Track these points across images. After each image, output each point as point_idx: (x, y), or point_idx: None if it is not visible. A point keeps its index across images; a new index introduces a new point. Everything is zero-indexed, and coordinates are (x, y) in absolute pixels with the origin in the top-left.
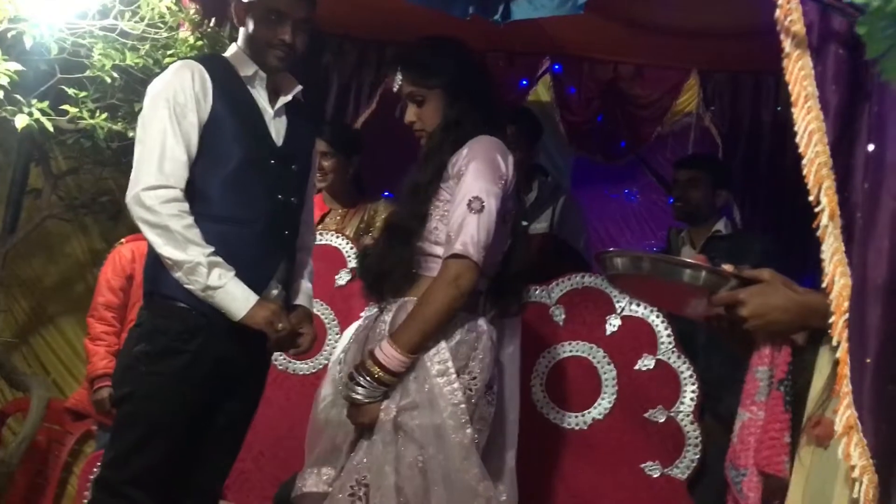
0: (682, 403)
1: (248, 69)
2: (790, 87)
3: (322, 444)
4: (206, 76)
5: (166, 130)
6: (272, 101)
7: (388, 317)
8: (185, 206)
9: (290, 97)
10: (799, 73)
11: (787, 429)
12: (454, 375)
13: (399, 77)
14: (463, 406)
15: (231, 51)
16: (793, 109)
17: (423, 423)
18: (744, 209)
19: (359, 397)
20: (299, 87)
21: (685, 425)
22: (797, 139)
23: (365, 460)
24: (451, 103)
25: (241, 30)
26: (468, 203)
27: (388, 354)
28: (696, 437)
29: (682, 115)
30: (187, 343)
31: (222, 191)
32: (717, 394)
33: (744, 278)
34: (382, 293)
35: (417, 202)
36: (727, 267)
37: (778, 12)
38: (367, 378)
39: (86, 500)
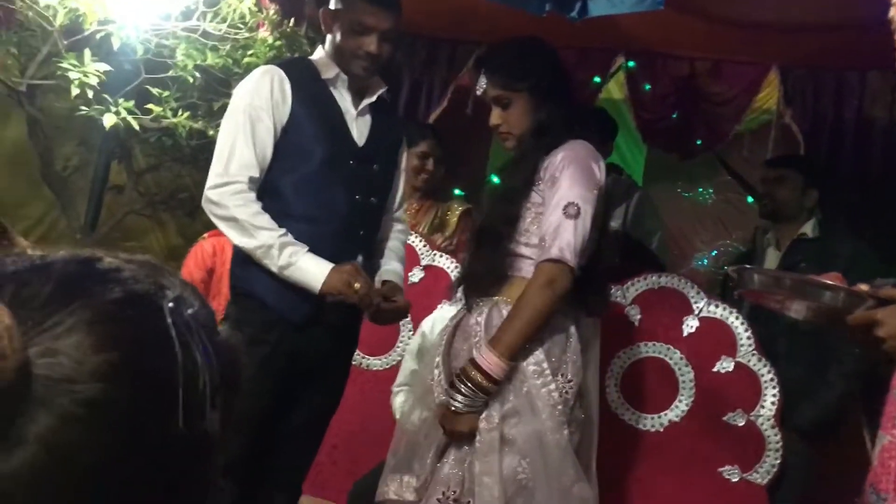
0: (763, 407)
1: (329, 72)
2: None
3: (403, 448)
4: (286, 80)
5: (237, 134)
6: (356, 101)
7: (480, 318)
8: (251, 195)
9: (374, 98)
10: None
11: None
12: (550, 377)
13: (483, 80)
14: (560, 407)
15: (317, 54)
16: None
17: (524, 430)
18: (825, 210)
19: (459, 405)
20: (384, 88)
21: (766, 430)
22: None
23: (455, 471)
24: (538, 106)
25: (328, 36)
26: (564, 208)
27: (490, 361)
28: (777, 442)
29: (761, 112)
30: (267, 334)
31: (300, 190)
32: (794, 404)
33: (881, 298)
34: (471, 293)
35: (509, 205)
36: (863, 286)
37: (892, 11)
38: (470, 386)
39: None
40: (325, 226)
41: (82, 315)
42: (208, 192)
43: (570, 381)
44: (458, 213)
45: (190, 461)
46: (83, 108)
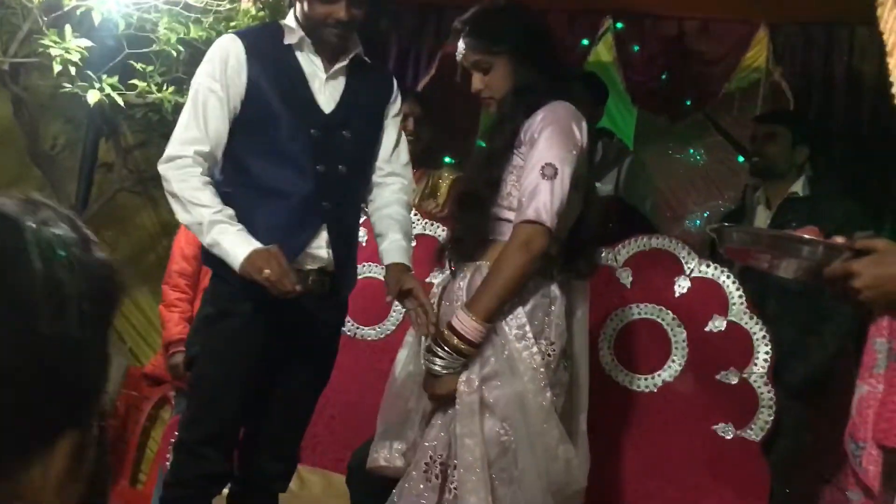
0: (756, 365)
1: (293, 37)
2: (885, 37)
3: (393, 414)
4: (242, 51)
5: (188, 109)
6: (328, 65)
7: (462, 282)
8: (195, 170)
9: (346, 61)
10: (895, 21)
11: None
12: (532, 340)
13: (462, 46)
14: (542, 370)
15: (289, 17)
16: (888, 59)
17: (505, 392)
18: (817, 169)
19: (437, 368)
20: (358, 49)
21: (759, 387)
22: (893, 89)
23: (442, 435)
24: (519, 68)
25: (297, 3)
26: (541, 169)
27: (466, 324)
28: (770, 399)
29: (751, 70)
30: (239, 306)
31: (260, 161)
32: (784, 362)
33: (857, 249)
34: (455, 258)
35: (491, 168)
36: (839, 239)
37: None
38: (446, 349)
39: (168, 462)
40: (284, 198)
41: None
42: (158, 167)
43: (552, 344)
44: (449, 180)
45: (60, 363)
46: (67, 85)
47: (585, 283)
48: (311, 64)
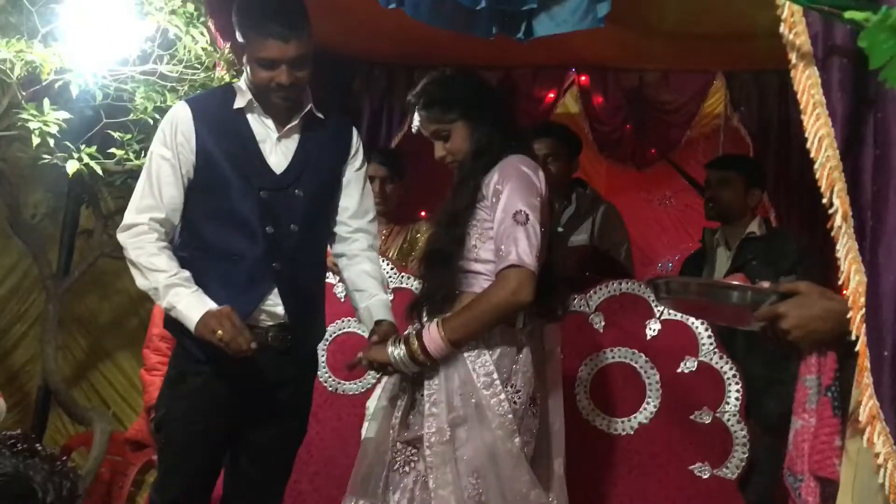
0: (728, 403)
1: (242, 100)
2: (798, 96)
3: (362, 468)
4: (189, 117)
5: (143, 178)
6: (280, 126)
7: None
8: (150, 237)
9: (297, 120)
10: (806, 82)
11: (837, 432)
12: (500, 387)
13: (418, 119)
14: (510, 416)
15: (241, 79)
16: (802, 117)
17: (474, 444)
18: (778, 208)
19: (390, 348)
20: (308, 107)
21: (731, 425)
22: (808, 145)
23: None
24: (475, 130)
25: (244, 68)
26: (514, 217)
27: (433, 334)
28: (744, 437)
29: (711, 117)
30: (203, 364)
31: (210, 225)
32: (757, 399)
33: (782, 292)
34: (424, 314)
35: (456, 226)
36: (765, 283)
37: (782, 26)
38: (405, 348)
39: None
40: (233, 261)
41: None
42: (117, 236)
43: (518, 392)
44: (426, 234)
45: None
46: (46, 155)
47: (557, 327)
48: (261, 125)
